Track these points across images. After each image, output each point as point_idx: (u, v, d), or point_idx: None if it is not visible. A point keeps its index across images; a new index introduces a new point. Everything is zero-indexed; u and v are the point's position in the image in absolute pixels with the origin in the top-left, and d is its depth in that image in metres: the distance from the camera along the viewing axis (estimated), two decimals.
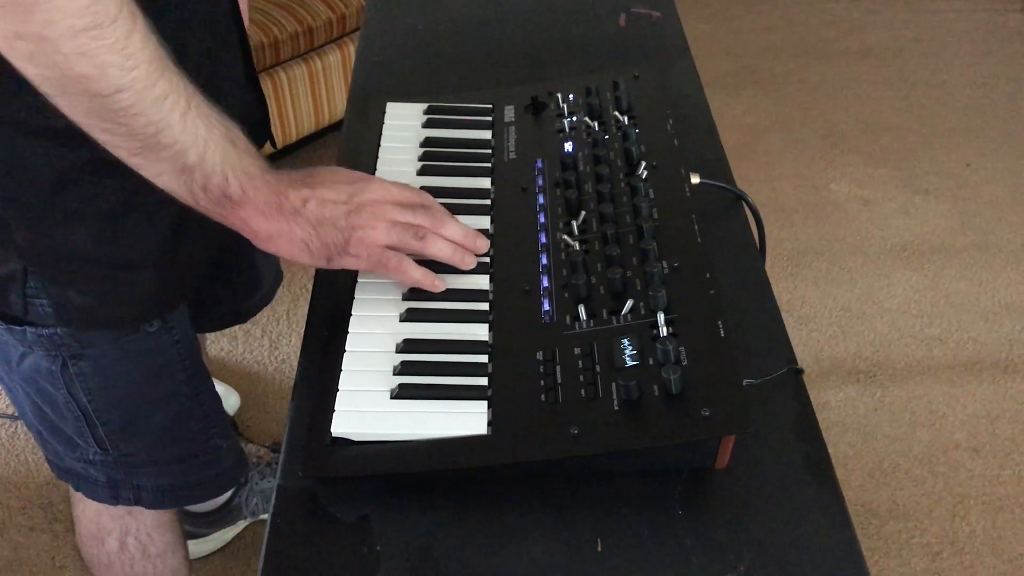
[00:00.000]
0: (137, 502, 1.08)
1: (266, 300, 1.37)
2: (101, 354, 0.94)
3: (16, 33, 0.63)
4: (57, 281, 0.88)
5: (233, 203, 0.77)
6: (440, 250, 0.84)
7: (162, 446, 1.04)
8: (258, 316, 2.17)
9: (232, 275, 1.24)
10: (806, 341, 2.19)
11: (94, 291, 0.89)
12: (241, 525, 1.76)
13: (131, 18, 0.67)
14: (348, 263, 0.81)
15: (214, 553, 1.74)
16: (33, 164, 0.81)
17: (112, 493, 1.07)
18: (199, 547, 1.70)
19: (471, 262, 0.86)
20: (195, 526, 1.69)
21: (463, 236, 0.85)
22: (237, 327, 2.16)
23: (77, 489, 1.10)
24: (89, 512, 1.22)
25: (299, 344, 2.21)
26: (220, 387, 1.90)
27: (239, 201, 0.77)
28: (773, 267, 2.38)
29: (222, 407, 1.10)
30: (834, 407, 2.03)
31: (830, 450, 0.78)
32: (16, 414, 1.97)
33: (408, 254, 0.83)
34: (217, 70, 0.93)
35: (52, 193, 0.83)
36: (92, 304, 0.90)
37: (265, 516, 1.76)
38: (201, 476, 1.09)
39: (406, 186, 0.85)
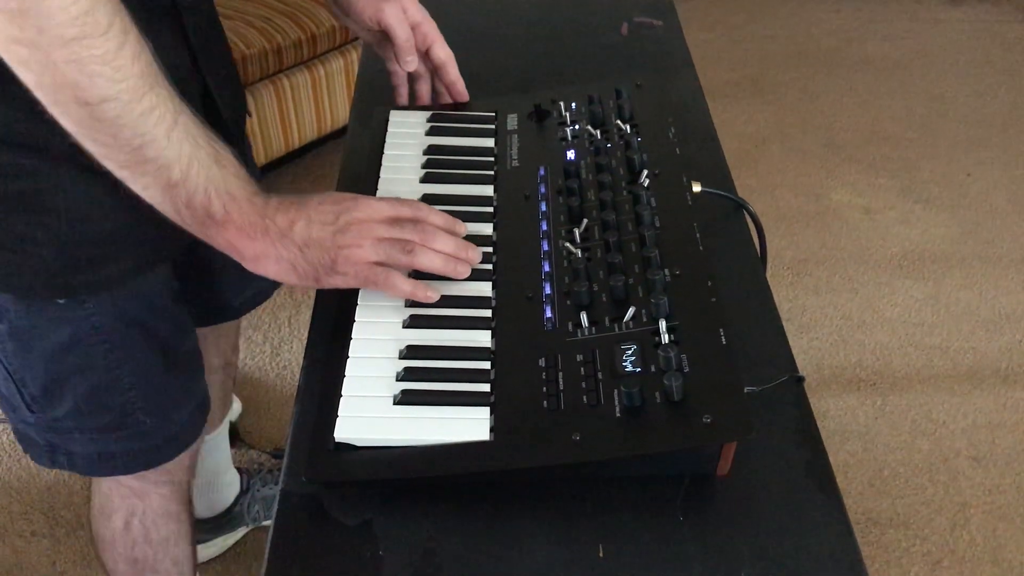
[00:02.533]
0: (72, 467, 1.09)
1: (260, 298, 1.37)
2: (15, 318, 0.95)
3: (13, 37, 0.66)
4: None
5: (216, 223, 0.78)
6: (431, 262, 0.84)
7: (83, 415, 1.04)
8: (259, 323, 2.19)
9: (217, 268, 1.23)
10: (807, 350, 2.19)
11: None
12: (242, 532, 1.76)
13: (122, 32, 0.69)
14: (336, 282, 0.82)
15: (214, 559, 1.74)
16: None
17: (50, 456, 1.08)
18: (200, 552, 1.70)
19: (464, 271, 0.86)
20: (196, 531, 1.69)
21: (455, 248, 0.85)
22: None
23: (25, 452, 1.11)
24: (102, 487, 1.24)
25: (300, 351, 2.22)
26: None
27: (222, 221, 0.78)
28: (774, 276, 2.38)
29: (162, 383, 1.08)
30: (835, 415, 2.03)
31: (831, 458, 0.78)
32: None
33: (401, 269, 0.83)
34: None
35: None
36: None
37: (266, 523, 1.76)
38: (127, 447, 1.08)
39: (397, 202, 0.86)
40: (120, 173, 0.75)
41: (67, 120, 0.72)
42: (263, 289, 1.36)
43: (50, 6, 0.65)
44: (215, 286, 1.28)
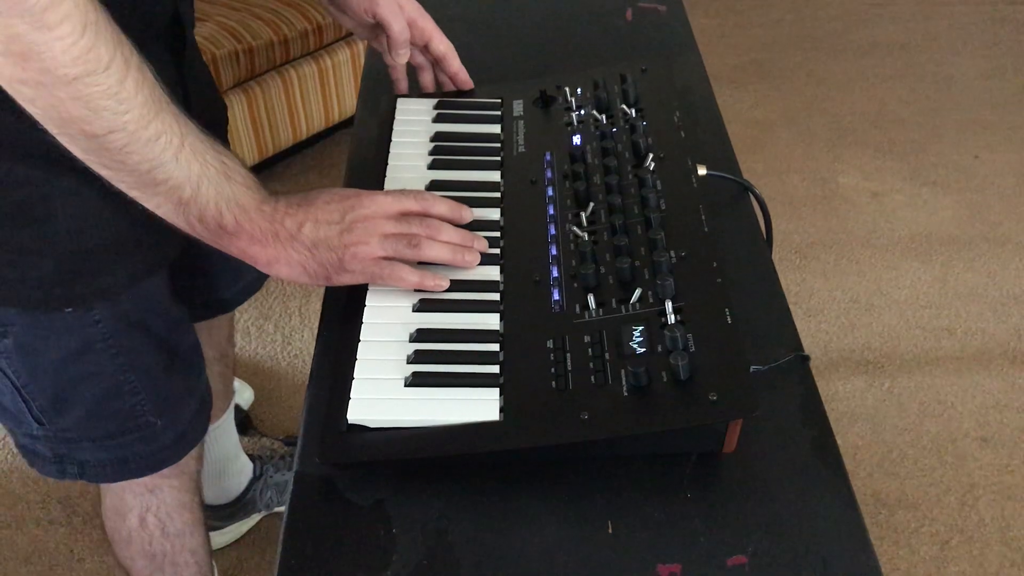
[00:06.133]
0: (82, 476, 1.09)
1: (251, 289, 1.38)
2: (21, 331, 0.96)
3: (18, 79, 0.68)
4: None
5: (229, 233, 0.81)
6: (438, 253, 0.85)
7: (93, 423, 1.05)
8: (270, 312, 2.20)
9: (207, 265, 1.25)
10: (815, 333, 2.20)
11: None
12: (256, 518, 1.78)
13: (124, 64, 0.71)
14: (346, 279, 0.84)
15: (229, 545, 1.76)
16: None
17: (59, 468, 1.09)
18: (215, 539, 1.72)
19: (473, 260, 0.87)
20: (210, 519, 1.71)
21: (461, 239, 0.87)
22: (250, 323, 2.19)
23: (31, 465, 1.11)
24: (114, 487, 1.24)
25: (311, 340, 2.23)
26: (235, 382, 1.92)
27: (234, 232, 0.81)
28: (781, 260, 2.39)
29: (167, 383, 1.08)
30: (843, 398, 2.04)
31: (839, 441, 0.79)
32: None
33: (409, 262, 0.85)
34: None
35: None
36: None
37: (280, 509, 1.78)
38: (138, 451, 1.09)
39: (401, 195, 0.87)
40: (132, 193, 0.77)
41: (76, 149, 0.73)
42: (252, 281, 1.38)
43: (53, 48, 0.66)
44: (208, 282, 1.29)
